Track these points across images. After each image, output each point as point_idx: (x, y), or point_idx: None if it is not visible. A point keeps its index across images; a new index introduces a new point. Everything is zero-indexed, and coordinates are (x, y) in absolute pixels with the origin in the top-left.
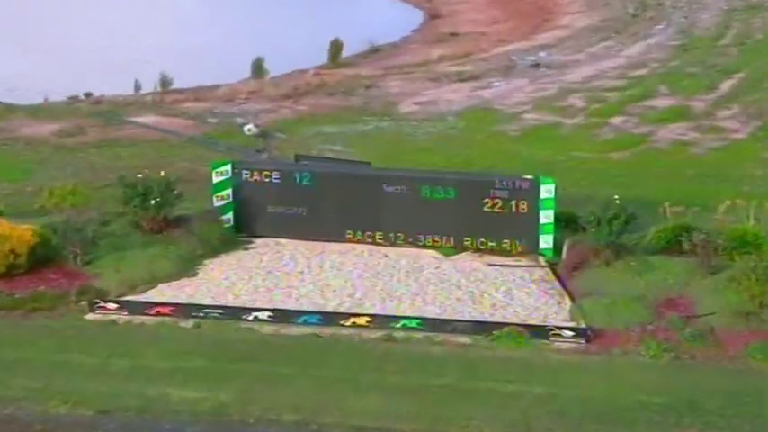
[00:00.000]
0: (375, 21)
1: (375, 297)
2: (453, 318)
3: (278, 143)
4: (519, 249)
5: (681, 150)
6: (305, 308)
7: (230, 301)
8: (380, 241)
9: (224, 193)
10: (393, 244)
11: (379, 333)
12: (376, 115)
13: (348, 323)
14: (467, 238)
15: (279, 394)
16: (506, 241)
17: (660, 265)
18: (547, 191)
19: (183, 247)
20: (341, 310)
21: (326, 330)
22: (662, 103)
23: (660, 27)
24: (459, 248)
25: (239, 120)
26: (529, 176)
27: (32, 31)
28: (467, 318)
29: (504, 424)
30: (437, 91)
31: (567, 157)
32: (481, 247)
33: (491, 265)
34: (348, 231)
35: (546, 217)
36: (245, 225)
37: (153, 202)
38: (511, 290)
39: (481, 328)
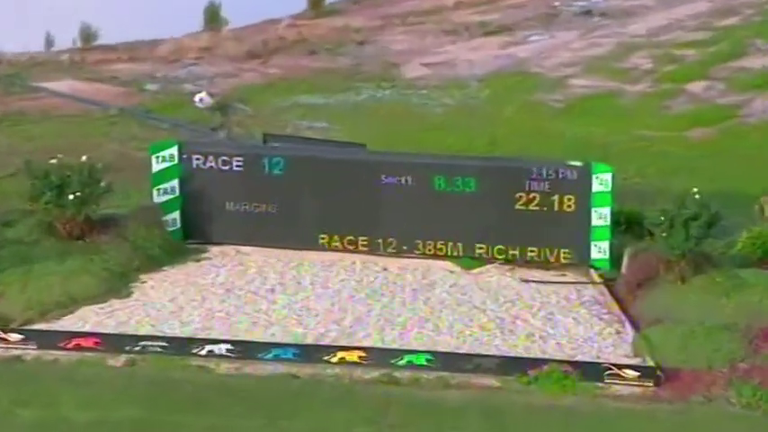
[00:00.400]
0: None
1: (371, 324)
2: (475, 352)
3: (240, 118)
4: (563, 260)
5: None
6: (276, 339)
7: (176, 330)
8: (378, 250)
9: (168, 185)
10: (395, 253)
11: (375, 373)
12: (372, 81)
13: (334, 359)
14: (493, 246)
15: None
16: (546, 249)
17: (755, 282)
18: (601, 182)
19: (113, 258)
20: (325, 341)
21: (305, 369)
22: (757, 63)
23: None
24: (482, 259)
25: (188, 87)
26: (577, 163)
27: None
28: (493, 352)
29: None
30: (454, 48)
31: (629, 137)
32: (513, 258)
33: (526, 281)
34: (335, 237)
35: (600, 217)
36: (197, 228)
37: (71, 197)
38: (553, 315)
39: (513, 366)
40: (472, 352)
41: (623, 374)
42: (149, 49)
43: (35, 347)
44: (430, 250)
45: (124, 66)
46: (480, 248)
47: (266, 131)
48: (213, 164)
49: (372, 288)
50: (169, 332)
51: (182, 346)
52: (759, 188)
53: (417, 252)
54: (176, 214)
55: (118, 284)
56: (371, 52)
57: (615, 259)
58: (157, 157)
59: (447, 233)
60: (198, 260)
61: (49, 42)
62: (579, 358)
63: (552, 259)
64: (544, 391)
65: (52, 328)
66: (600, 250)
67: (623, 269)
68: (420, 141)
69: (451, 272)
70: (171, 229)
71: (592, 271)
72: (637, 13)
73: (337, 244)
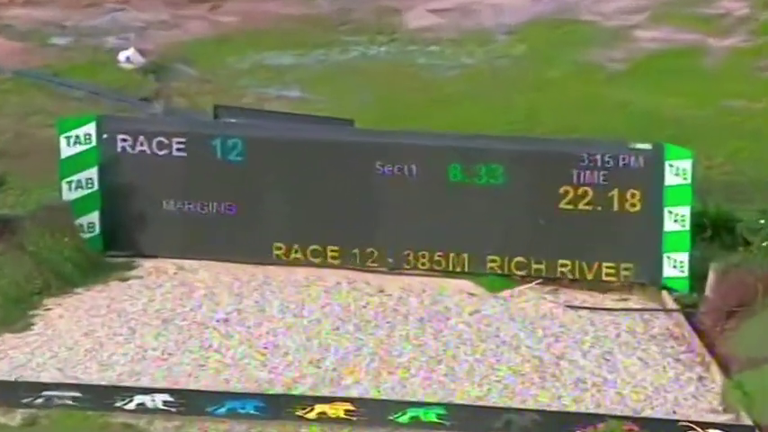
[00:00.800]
0: None
1: (362, 366)
2: (505, 405)
3: (183, 84)
4: (625, 279)
5: None
6: (233, 387)
7: (93, 375)
8: (372, 264)
9: (82, 175)
10: (394, 269)
11: None
12: (363, 33)
13: (312, 415)
14: (528, 258)
15: None
16: (601, 264)
17: None
18: (677, 171)
19: (6, 277)
20: (299, 390)
21: (271, 429)
22: None
23: None
24: (514, 277)
25: (111, 41)
26: (644, 145)
27: None
28: (530, 406)
29: None
30: None
31: (715, 110)
32: (555, 276)
33: (574, 308)
34: (312, 247)
35: (675, 220)
36: (123, 235)
37: None
38: (612, 353)
39: (556, 424)
40: (500, 405)
41: None
42: None
43: None
44: (442, 265)
45: (20, 11)
46: (511, 262)
47: (218, 103)
48: (145, 147)
49: (364, 317)
50: (84, 378)
51: (101, 397)
52: None
53: (425, 267)
54: (95, 216)
55: (13, 313)
56: None
57: (697, 278)
58: (68, 138)
59: (465, 242)
60: (124, 279)
61: None
62: (648, 414)
63: (610, 278)
64: None
65: None
66: (676, 265)
67: (708, 291)
68: (429, 116)
69: (471, 294)
70: (87, 236)
71: (665, 294)
72: None
73: (316, 257)
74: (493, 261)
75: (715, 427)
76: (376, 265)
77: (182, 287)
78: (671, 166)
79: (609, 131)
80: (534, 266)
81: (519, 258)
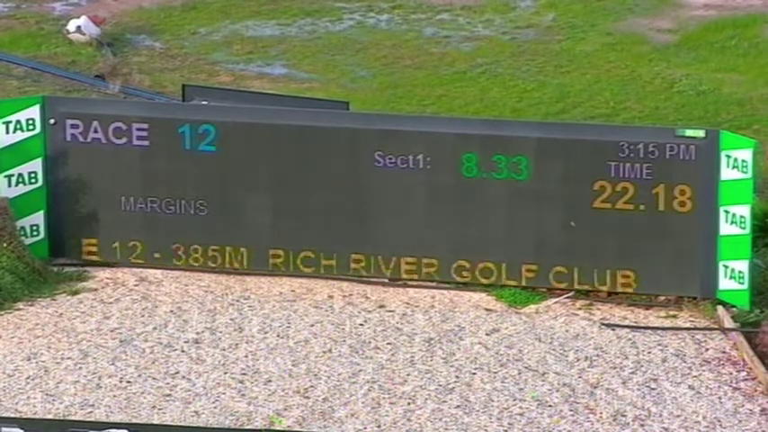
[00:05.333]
0: None
1: (358, 396)
2: None
3: (144, 60)
4: (673, 292)
5: None
6: (204, 422)
7: (37, 407)
8: (370, 274)
9: (24, 168)
10: (397, 280)
11: None
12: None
13: None
14: (557, 268)
15: None
16: (644, 275)
17: None
18: (735, 164)
19: None
20: (283, 425)
21: None
22: None
23: None
24: (539, 290)
25: (57, 8)
26: (695, 131)
27: None
28: None
29: None
30: None
31: None
32: (589, 289)
33: (611, 326)
34: (299, 253)
35: (734, 222)
36: (74, 240)
37: None
38: (657, 381)
39: None
40: None
41: None
42: None
43: None
44: (454, 275)
45: None
46: (535, 272)
47: (187, 81)
48: (100, 135)
49: (361, 337)
50: (26, 410)
51: None
52: None
53: (433, 277)
54: (39, 217)
55: None
56: None
57: (759, 292)
58: (7, 124)
59: (481, 247)
60: (74, 292)
61: None
62: None
63: (654, 290)
64: None
65: None
66: (733, 276)
67: None
68: (438, 98)
69: (489, 310)
70: (30, 241)
71: (721, 310)
72: None
73: (304, 266)
74: (513, 270)
75: None
76: (375, 275)
77: (143, 302)
78: (728, 156)
79: (653, 116)
80: (564, 277)
81: (546, 268)
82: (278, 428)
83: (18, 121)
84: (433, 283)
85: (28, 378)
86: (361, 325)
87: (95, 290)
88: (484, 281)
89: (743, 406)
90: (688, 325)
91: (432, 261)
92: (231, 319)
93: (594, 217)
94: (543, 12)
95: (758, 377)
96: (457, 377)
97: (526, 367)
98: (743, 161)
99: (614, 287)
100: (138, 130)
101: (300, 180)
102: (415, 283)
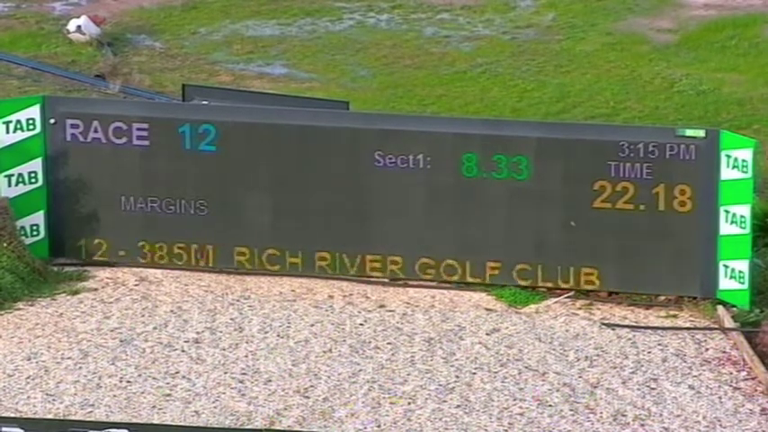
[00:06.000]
0: None
1: (359, 396)
2: None
3: (144, 60)
4: (673, 292)
5: None
6: (204, 422)
7: (37, 407)
8: (370, 274)
9: (25, 168)
10: (397, 280)
11: None
12: None
13: None
14: (557, 268)
15: None
16: (644, 275)
17: None
18: (735, 163)
19: None
20: (284, 424)
21: None
22: None
23: None
24: (539, 289)
25: (57, 8)
26: (696, 131)
27: None
28: None
29: None
30: None
31: None
32: (589, 289)
33: (611, 326)
34: (298, 253)
35: (734, 221)
36: (74, 240)
37: None
38: (657, 381)
39: None
40: None
41: None
42: None
43: None
44: (454, 275)
45: None
46: (536, 272)
47: (187, 81)
48: (100, 135)
49: (359, 337)
50: (26, 410)
51: None
52: None
53: (433, 278)
54: (39, 217)
55: None
56: None
57: (759, 291)
58: (7, 124)
59: (481, 247)
60: (75, 292)
61: None
62: None
63: (654, 290)
64: None
65: None
66: (734, 276)
67: None
68: (438, 97)
69: (489, 310)
70: (30, 240)
71: (721, 310)
72: None
73: (304, 266)
74: (513, 270)
75: None
76: (375, 274)
77: (143, 302)
78: (728, 156)
79: (653, 116)
80: (564, 277)
81: (546, 267)
82: (278, 428)
83: (18, 121)
84: (434, 283)
85: (28, 378)
86: (361, 325)
87: (95, 290)
88: (486, 279)
89: (743, 406)
90: (688, 325)
91: (431, 261)
92: (231, 319)
93: (595, 218)
94: (543, 11)
95: (758, 377)
96: (457, 377)
97: (526, 367)
98: (743, 161)
99: (613, 286)
100: (139, 129)
101: (301, 179)
102: (415, 282)
